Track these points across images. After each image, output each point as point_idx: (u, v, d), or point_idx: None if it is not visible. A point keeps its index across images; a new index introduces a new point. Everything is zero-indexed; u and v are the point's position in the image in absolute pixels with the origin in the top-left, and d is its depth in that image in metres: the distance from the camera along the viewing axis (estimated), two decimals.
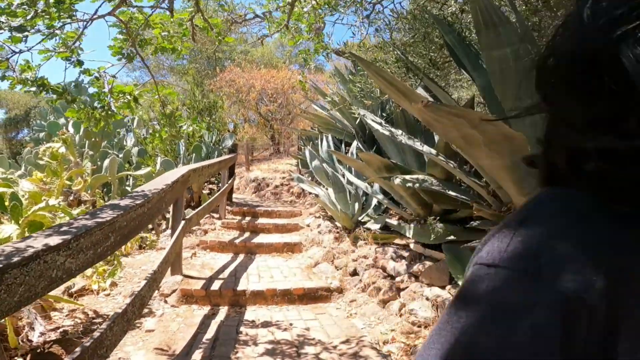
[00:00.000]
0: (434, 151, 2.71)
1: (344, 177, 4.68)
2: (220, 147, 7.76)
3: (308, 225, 5.53)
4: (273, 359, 2.47)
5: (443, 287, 2.73)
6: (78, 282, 3.33)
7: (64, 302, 2.60)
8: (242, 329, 2.92)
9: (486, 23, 1.98)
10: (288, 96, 15.31)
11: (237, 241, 4.83)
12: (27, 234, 2.24)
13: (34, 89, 2.30)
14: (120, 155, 6.55)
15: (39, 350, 2.23)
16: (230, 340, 2.71)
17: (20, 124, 17.13)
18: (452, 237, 2.94)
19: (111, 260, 3.51)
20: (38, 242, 1.24)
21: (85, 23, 2.34)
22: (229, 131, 10.28)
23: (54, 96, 2.47)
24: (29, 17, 1.96)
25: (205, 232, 5.25)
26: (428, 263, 2.95)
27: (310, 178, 6.71)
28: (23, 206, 2.39)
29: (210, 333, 2.81)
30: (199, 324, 2.95)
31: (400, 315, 2.83)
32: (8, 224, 2.17)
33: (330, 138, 5.88)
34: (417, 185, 2.86)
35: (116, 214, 1.67)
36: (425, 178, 2.93)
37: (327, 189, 4.98)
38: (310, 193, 7.30)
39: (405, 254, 3.40)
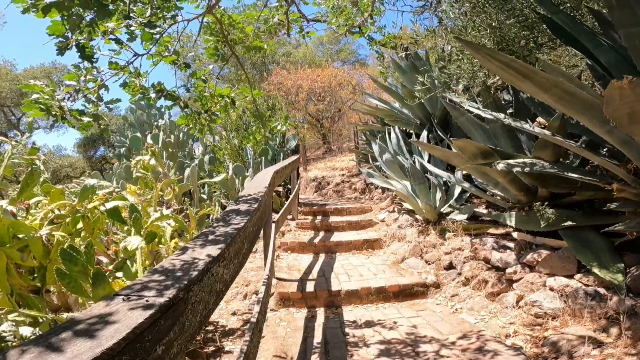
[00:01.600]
0: (547, 132, 2.46)
1: (421, 168, 4.49)
2: (285, 149, 7.88)
3: (383, 220, 5.40)
4: (391, 359, 2.39)
5: (570, 277, 2.47)
6: None
7: None
8: (347, 330, 2.88)
9: (619, 2, 1.89)
10: (336, 94, 15.29)
11: (315, 241, 4.84)
12: (144, 245, 2.38)
13: (153, 95, 2.42)
14: (194, 164, 6.90)
15: None
16: (340, 343, 2.67)
17: (96, 142, 18.80)
18: (569, 223, 2.65)
19: None
20: (198, 253, 1.24)
21: (185, 23, 2.42)
22: (290, 131, 10.42)
23: (168, 102, 2.57)
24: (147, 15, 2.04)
25: (283, 233, 5.33)
26: (544, 252, 2.69)
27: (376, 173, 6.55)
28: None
29: (317, 337, 2.79)
30: (304, 327, 2.95)
31: (519, 308, 2.61)
32: (133, 236, 2.33)
33: (397, 130, 5.69)
34: (527, 169, 2.61)
35: (245, 220, 1.68)
36: (534, 161, 2.68)
37: (401, 182, 4.81)
38: (377, 187, 7.15)
39: (510, 243, 3.14)
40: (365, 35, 4.14)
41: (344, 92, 15.62)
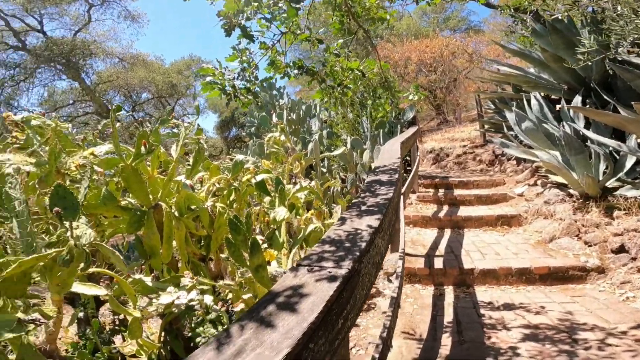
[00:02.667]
0: None
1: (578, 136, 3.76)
2: (402, 121, 7.61)
3: (521, 195, 4.79)
4: (541, 344, 2.15)
5: None
6: None
7: None
8: (481, 311, 2.69)
9: None
10: (449, 63, 14.31)
11: (440, 215, 4.61)
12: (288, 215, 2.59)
13: (295, 71, 2.58)
14: (315, 139, 7.23)
15: None
16: (474, 324, 2.52)
17: (229, 124, 21.32)
18: None
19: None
20: (358, 224, 1.27)
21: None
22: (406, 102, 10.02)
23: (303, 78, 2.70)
24: None
25: (404, 206, 5.24)
26: None
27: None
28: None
29: (448, 316, 2.68)
30: (432, 305, 2.88)
31: None
32: (280, 207, 2.58)
33: (539, 96, 4.86)
34: None
35: (391, 190, 1.66)
36: None
37: (549, 152, 4.13)
38: (511, 159, 6.36)
39: None
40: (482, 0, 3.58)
41: (459, 61, 14.60)
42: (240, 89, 2.42)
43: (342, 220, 1.35)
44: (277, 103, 11.78)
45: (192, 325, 2.13)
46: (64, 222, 1.20)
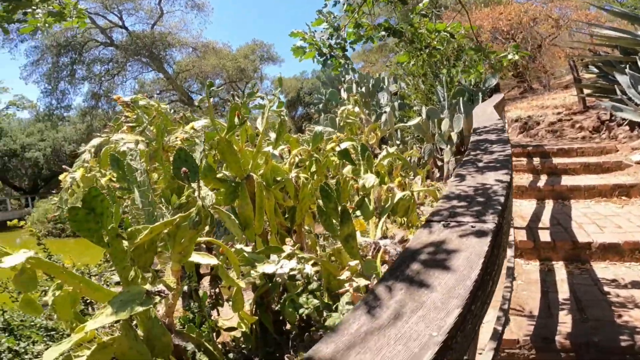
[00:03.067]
0: None
1: None
2: (484, 88, 6.92)
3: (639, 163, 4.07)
4: None
5: None
6: (397, 232, 3.65)
7: None
8: (605, 289, 2.35)
9: None
10: (530, 30, 13.16)
11: (539, 185, 4.12)
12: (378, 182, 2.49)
13: (382, 33, 2.44)
14: (389, 110, 6.95)
15: None
16: (599, 301, 2.21)
17: (295, 104, 21.67)
18: None
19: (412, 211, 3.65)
20: (482, 179, 1.13)
21: None
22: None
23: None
24: None
25: None
26: None
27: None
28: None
29: (563, 293, 2.39)
30: (540, 281, 2.59)
31: None
32: (369, 174, 2.51)
33: None
34: None
35: (507, 147, 1.47)
36: None
37: None
38: (622, 124, 5.45)
39: None
40: None
41: (542, 27, 13.41)
42: (336, 48, 2.33)
43: (460, 176, 1.21)
44: (342, 78, 11.59)
45: (293, 295, 2.16)
46: (191, 182, 1.24)
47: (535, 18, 13.40)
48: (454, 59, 6.77)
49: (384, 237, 2.39)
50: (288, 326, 2.38)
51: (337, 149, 2.74)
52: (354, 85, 8.51)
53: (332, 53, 2.34)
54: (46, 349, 1.95)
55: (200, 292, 2.61)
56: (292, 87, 21.77)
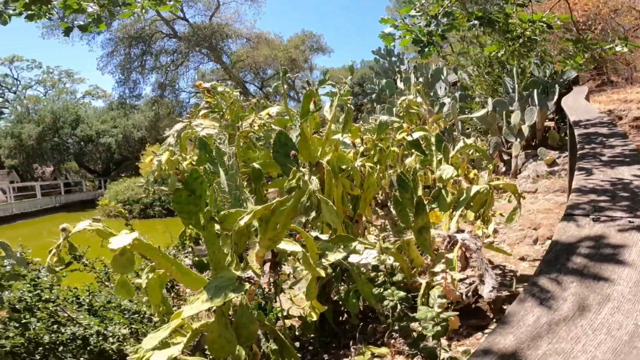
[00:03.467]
0: None
1: None
2: (562, 80, 6.33)
3: None
4: None
5: None
6: (465, 227, 3.45)
7: (498, 252, 2.58)
8: None
9: None
10: (611, 21, 12.14)
11: None
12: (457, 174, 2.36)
13: (475, 22, 2.31)
14: (453, 101, 6.62)
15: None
16: None
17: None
18: None
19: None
20: (615, 174, 1.00)
21: None
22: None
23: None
24: None
25: None
26: None
27: None
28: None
29: None
30: None
31: None
32: (446, 165, 2.39)
33: None
34: None
35: (629, 142, 1.28)
36: None
37: None
38: None
39: None
40: None
41: (625, 19, 12.33)
42: (435, 35, 2.24)
43: (586, 170, 1.08)
44: (397, 69, 11.26)
45: (359, 285, 2.13)
46: (300, 166, 1.24)
47: (617, 9, 12.47)
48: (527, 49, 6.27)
49: (460, 230, 2.27)
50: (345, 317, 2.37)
51: (409, 138, 2.63)
52: (412, 75, 8.22)
53: (430, 40, 2.24)
54: (130, 332, 2.08)
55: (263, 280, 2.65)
56: (341, 77, 21.54)
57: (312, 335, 2.34)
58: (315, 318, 2.07)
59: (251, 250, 1.48)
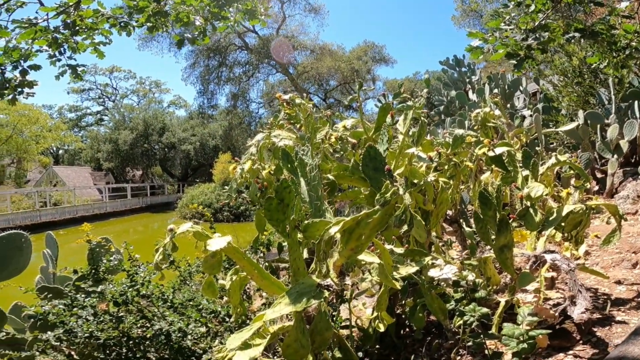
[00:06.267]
0: None
1: None
2: None
3: None
4: None
5: None
6: (550, 248, 3.15)
7: (593, 274, 2.33)
8: None
9: None
10: None
11: None
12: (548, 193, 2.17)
13: (575, 34, 2.15)
14: (536, 113, 6.12)
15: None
16: None
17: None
18: None
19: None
20: None
21: None
22: None
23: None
24: None
25: None
26: None
27: None
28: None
29: None
30: None
31: None
32: (535, 183, 2.20)
33: None
34: None
35: None
36: None
37: None
38: None
39: None
40: None
41: None
42: (535, 49, 2.14)
43: None
44: (467, 80, 10.71)
45: (429, 299, 2.05)
46: (394, 181, 1.25)
47: None
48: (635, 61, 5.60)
49: (550, 251, 2.07)
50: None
51: (490, 153, 2.48)
52: (486, 87, 7.76)
53: (529, 54, 2.13)
54: (207, 331, 2.19)
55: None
56: (405, 88, 21.19)
57: (373, 347, 2.31)
58: (382, 329, 2.04)
59: (329, 259, 1.50)
